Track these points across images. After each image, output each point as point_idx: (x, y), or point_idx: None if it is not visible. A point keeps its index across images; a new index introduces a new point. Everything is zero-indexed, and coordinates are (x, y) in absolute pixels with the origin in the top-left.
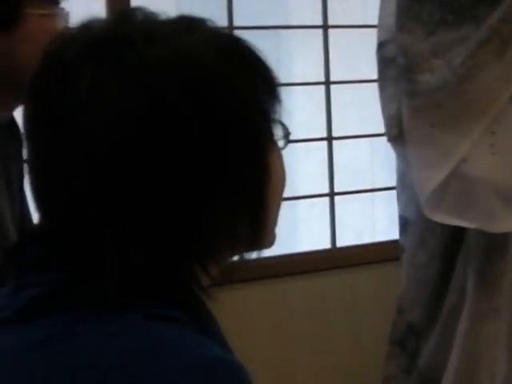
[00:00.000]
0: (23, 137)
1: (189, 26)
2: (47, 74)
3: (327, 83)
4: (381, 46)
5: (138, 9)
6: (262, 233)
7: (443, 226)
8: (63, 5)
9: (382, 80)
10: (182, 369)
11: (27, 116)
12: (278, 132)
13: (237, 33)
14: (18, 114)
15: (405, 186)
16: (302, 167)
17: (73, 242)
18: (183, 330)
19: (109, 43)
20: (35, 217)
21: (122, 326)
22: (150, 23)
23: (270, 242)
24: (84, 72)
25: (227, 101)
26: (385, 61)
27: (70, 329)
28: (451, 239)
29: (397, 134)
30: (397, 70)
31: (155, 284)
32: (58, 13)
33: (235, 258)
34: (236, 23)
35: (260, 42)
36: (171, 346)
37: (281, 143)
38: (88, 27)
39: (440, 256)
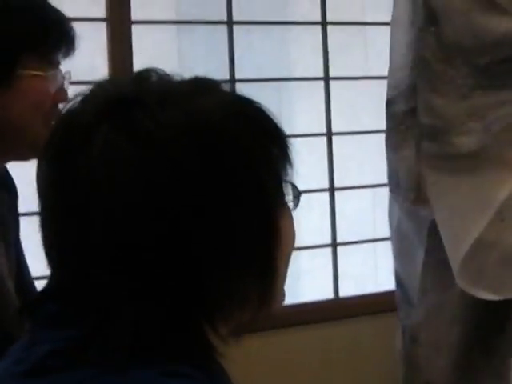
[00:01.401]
0: (37, 192)
1: (202, 88)
2: (61, 136)
3: (329, 134)
4: (390, 102)
5: (153, 70)
6: (272, 293)
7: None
8: (64, 63)
9: (393, 139)
10: None
11: (42, 176)
12: (288, 193)
13: (238, 85)
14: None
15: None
16: (304, 218)
17: (87, 300)
18: None
19: (122, 106)
20: (32, 267)
21: (135, 381)
22: (163, 85)
23: (279, 301)
24: (98, 135)
25: (241, 165)
26: (395, 118)
27: (87, 382)
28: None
29: (415, 196)
30: (424, 131)
31: (167, 342)
32: (54, 74)
33: (246, 317)
34: (238, 76)
35: (261, 94)
36: None
37: (291, 204)
38: (102, 89)
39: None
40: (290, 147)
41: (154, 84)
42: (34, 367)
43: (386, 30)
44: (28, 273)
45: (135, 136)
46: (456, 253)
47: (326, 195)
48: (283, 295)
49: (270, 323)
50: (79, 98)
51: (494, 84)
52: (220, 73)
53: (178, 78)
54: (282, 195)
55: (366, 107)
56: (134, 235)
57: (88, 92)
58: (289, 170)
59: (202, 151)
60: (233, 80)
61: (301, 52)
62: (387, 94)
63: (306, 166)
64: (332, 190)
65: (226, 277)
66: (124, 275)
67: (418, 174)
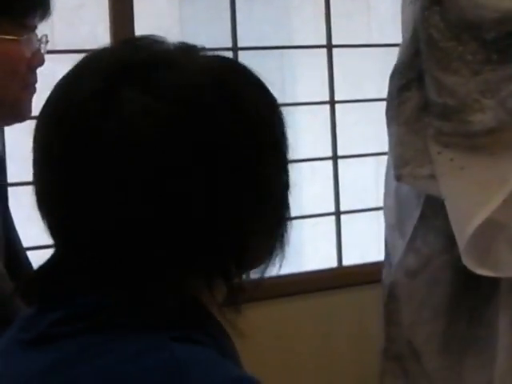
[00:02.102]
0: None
1: (194, 50)
2: (75, 106)
3: (332, 102)
4: (390, 77)
5: (142, 37)
6: (288, 235)
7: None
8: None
9: (387, 113)
10: None
11: (40, 147)
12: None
13: (240, 53)
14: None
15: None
16: (307, 186)
17: (98, 269)
18: (206, 351)
19: (136, 70)
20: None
21: (146, 345)
22: (165, 50)
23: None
24: (122, 99)
25: (262, 124)
26: (390, 93)
27: (92, 349)
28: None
29: (429, 173)
30: (435, 110)
31: (178, 307)
32: (28, 38)
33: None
34: (240, 44)
35: (264, 63)
36: (196, 366)
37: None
38: (100, 57)
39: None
40: (280, 104)
41: (154, 47)
42: (39, 335)
43: None
44: (21, 247)
45: (162, 94)
46: (464, 230)
47: (329, 163)
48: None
49: (273, 292)
50: (75, 69)
51: (504, 58)
52: (222, 41)
53: (167, 44)
54: (287, 147)
55: (369, 75)
56: (162, 199)
57: (85, 61)
58: (285, 125)
59: (228, 108)
60: (235, 48)
61: (303, 19)
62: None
63: (308, 134)
64: (335, 158)
65: (258, 227)
66: (144, 241)
67: (398, 154)
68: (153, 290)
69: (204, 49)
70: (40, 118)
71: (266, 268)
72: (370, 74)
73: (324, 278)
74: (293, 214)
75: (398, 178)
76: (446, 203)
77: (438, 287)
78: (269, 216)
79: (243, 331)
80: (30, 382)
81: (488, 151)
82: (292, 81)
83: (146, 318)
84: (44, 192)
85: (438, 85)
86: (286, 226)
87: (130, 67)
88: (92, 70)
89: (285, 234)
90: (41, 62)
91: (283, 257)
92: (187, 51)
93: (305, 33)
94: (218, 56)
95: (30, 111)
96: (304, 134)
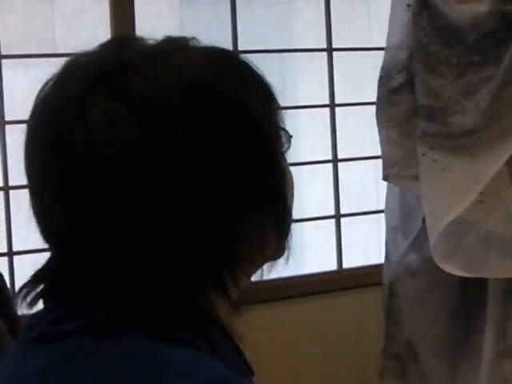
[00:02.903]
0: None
1: (180, 44)
2: (51, 114)
3: (332, 106)
4: (387, 76)
5: (127, 37)
6: (288, 232)
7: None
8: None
9: (378, 116)
10: None
11: (32, 157)
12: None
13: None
14: None
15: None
16: (307, 189)
17: (93, 272)
18: (192, 351)
19: (112, 75)
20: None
21: (134, 347)
22: (145, 49)
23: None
24: (93, 107)
25: (239, 115)
26: (379, 97)
27: (83, 350)
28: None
29: (415, 174)
30: (422, 112)
31: (175, 310)
32: None
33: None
34: (240, 47)
35: (265, 66)
36: (179, 367)
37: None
38: (83, 61)
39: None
40: (273, 88)
41: (133, 48)
42: (40, 334)
43: (389, 0)
44: None
45: (133, 103)
46: (435, 227)
47: (329, 166)
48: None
49: (274, 294)
50: (57, 75)
51: (484, 60)
52: (223, 44)
53: (152, 41)
54: (279, 138)
55: (369, 78)
56: (149, 200)
57: (66, 67)
58: (279, 114)
59: (203, 109)
60: (236, 51)
61: (304, 23)
62: (380, 72)
63: (309, 137)
64: (335, 161)
65: (243, 222)
66: (138, 242)
67: (387, 154)
68: (147, 292)
69: (193, 41)
70: (27, 124)
71: (267, 268)
72: (370, 78)
73: (324, 280)
74: (293, 217)
75: (385, 177)
76: (423, 202)
77: (437, 290)
78: (258, 216)
79: (243, 334)
80: (31, 380)
81: (469, 152)
82: (292, 84)
83: (138, 319)
84: (32, 198)
85: (426, 88)
86: (281, 227)
87: (104, 73)
88: (70, 76)
89: (283, 236)
90: None
91: (287, 258)
92: (168, 51)
93: (305, 36)
94: (201, 52)
95: None
96: (304, 137)
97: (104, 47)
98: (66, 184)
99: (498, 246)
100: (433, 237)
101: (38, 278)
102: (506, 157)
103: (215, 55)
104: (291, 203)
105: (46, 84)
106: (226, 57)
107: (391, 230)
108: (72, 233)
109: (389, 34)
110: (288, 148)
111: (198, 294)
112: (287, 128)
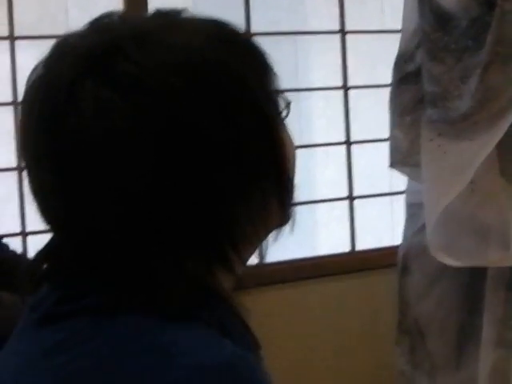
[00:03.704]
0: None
1: (170, 20)
2: (42, 100)
3: (345, 88)
4: (398, 64)
5: (112, 13)
6: (289, 203)
7: None
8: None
9: (397, 98)
10: (194, 368)
11: (28, 141)
12: (280, 103)
13: (254, 39)
14: None
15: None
16: (321, 171)
17: (95, 253)
18: (198, 329)
19: (99, 57)
20: None
21: (136, 326)
22: (133, 27)
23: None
24: (83, 93)
25: (232, 88)
26: (392, 83)
27: (85, 331)
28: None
29: (417, 162)
30: (427, 99)
31: (180, 289)
32: None
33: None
34: (254, 29)
35: (278, 48)
36: (186, 345)
37: (284, 113)
38: (71, 44)
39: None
40: (268, 56)
41: (122, 27)
42: (43, 315)
43: None
44: None
45: (122, 86)
46: (430, 216)
47: (342, 148)
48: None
49: (287, 276)
50: (47, 58)
51: (478, 44)
52: (236, 25)
53: (141, 17)
54: (276, 107)
55: (382, 60)
56: (145, 181)
57: (56, 48)
58: (275, 82)
59: (192, 84)
60: (249, 33)
61: (317, 5)
62: (400, 49)
63: (322, 119)
64: (348, 143)
65: (245, 197)
66: (137, 220)
67: (393, 142)
68: (148, 271)
69: (184, 13)
70: (21, 108)
71: (273, 238)
72: (384, 60)
73: (337, 262)
74: (306, 198)
75: (391, 164)
76: (423, 187)
77: (450, 270)
78: (258, 189)
79: (249, 309)
80: (36, 362)
81: (468, 136)
82: (306, 66)
83: (141, 299)
84: (29, 181)
85: (429, 75)
86: (283, 197)
87: (93, 56)
88: (60, 60)
89: (286, 205)
90: None
91: (291, 227)
92: (157, 28)
93: (318, 18)
94: (192, 26)
95: None
96: (317, 119)
97: (93, 27)
98: (60, 168)
99: (493, 236)
100: (430, 224)
101: (40, 258)
102: (495, 140)
103: (207, 29)
104: (293, 171)
105: (36, 67)
106: (217, 29)
107: (413, 206)
108: (69, 216)
109: (402, 21)
110: (287, 114)
111: (203, 270)
112: (301, 110)
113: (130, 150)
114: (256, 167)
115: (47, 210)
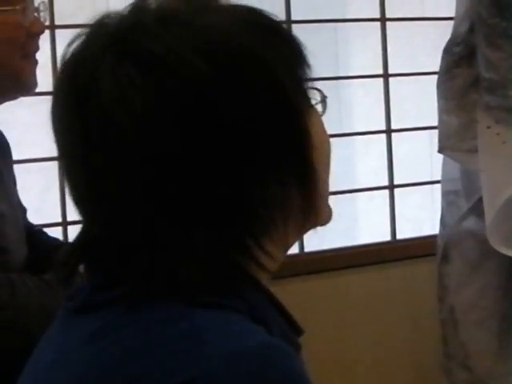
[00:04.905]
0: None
1: (204, 3)
2: (69, 75)
3: (386, 76)
4: (449, 48)
5: None
6: (314, 201)
7: None
8: None
9: (438, 88)
10: (223, 356)
11: (56, 119)
12: (315, 97)
13: (294, 27)
14: None
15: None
16: (361, 160)
17: (125, 240)
18: (229, 315)
19: (124, 35)
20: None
21: (167, 313)
22: (163, 8)
23: (325, 216)
24: (104, 68)
25: (256, 72)
26: (442, 68)
27: (119, 320)
28: None
29: (468, 148)
30: (485, 85)
31: (208, 271)
32: (24, 6)
33: (296, 237)
34: (293, 17)
35: (318, 36)
36: (213, 335)
37: (319, 108)
38: (103, 24)
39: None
40: (303, 46)
41: (153, 10)
42: (81, 304)
43: None
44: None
45: (141, 62)
46: (490, 207)
47: (383, 137)
48: (329, 210)
49: (327, 265)
50: (82, 36)
51: None
52: (275, 14)
53: (172, 1)
54: (305, 99)
55: (422, 48)
56: (166, 164)
57: (90, 27)
58: (307, 72)
59: (217, 67)
60: (288, 21)
61: None
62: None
63: (362, 107)
64: (389, 131)
65: (262, 184)
66: (161, 206)
67: (443, 127)
68: (175, 258)
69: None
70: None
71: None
72: (424, 48)
73: (378, 251)
74: (346, 187)
75: (440, 149)
76: (482, 176)
77: (492, 257)
78: (279, 181)
79: (292, 303)
80: (74, 351)
81: None
82: (346, 54)
83: (170, 286)
84: (63, 166)
85: (486, 61)
86: (307, 196)
87: (118, 35)
88: (89, 38)
89: (309, 205)
90: (40, 30)
91: (309, 211)
92: (185, 10)
93: (358, 6)
94: (221, 10)
95: (35, 83)
96: (358, 107)
97: (130, 7)
98: (84, 143)
99: None
100: (489, 214)
101: (75, 247)
102: None
103: (239, 13)
104: (323, 171)
105: (69, 44)
106: (250, 15)
107: (450, 194)
108: (94, 200)
109: (456, 5)
110: (324, 109)
111: (233, 258)
112: (341, 98)
113: (147, 127)
114: (275, 157)
115: (75, 188)
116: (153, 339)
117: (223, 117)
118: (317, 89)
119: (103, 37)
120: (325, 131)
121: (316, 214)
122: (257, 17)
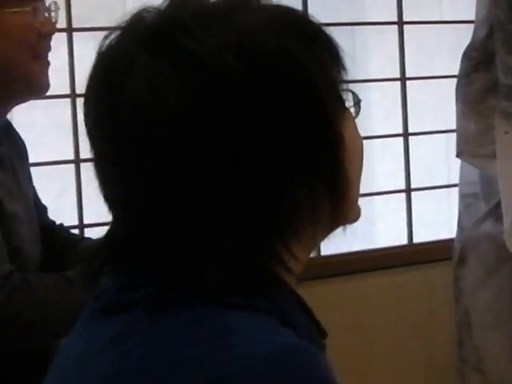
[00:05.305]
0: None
1: (239, 3)
2: (104, 71)
3: (403, 79)
4: (468, 52)
5: None
6: (345, 203)
7: None
8: None
9: (456, 92)
10: (252, 356)
11: (89, 116)
12: (349, 100)
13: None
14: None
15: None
16: (378, 163)
17: (154, 240)
18: (257, 317)
19: (160, 32)
20: None
21: (197, 315)
22: (200, 7)
23: (354, 215)
24: (139, 64)
25: (291, 74)
26: (461, 72)
27: (145, 320)
28: None
29: (486, 153)
30: (503, 90)
31: (235, 273)
32: (34, 8)
33: (322, 239)
34: None
35: (335, 39)
36: (240, 336)
37: (353, 111)
38: (140, 18)
39: None
40: (340, 49)
41: (191, 7)
42: (106, 305)
43: None
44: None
45: (176, 59)
46: (509, 211)
47: (400, 140)
48: (359, 210)
49: (344, 268)
50: (117, 31)
51: None
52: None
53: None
54: (339, 101)
55: (440, 51)
56: (195, 162)
57: (126, 22)
58: (343, 74)
59: (252, 67)
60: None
61: None
62: (474, 36)
63: (380, 110)
64: (406, 135)
65: (293, 187)
66: (191, 207)
67: (461, 131)
68: (206, 259)
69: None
70: (87, 79)
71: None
72: (441, 51)
73: (394, 255)
74: (363, 190)
75: (459, 154)
76: (500, 181)
77: (507, 263)
78: (308, 184)
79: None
80: (100, 351)
81: None
82: (363, 57)
83: (197, 287)
84: (95, 160)
85: (505, 67)
86: (336, 199)
87: (153, 31)
88: (125, 33)
89: (338, 208)
90: (51, 30)
91: (339, 212)
92: (224, 9)
93: (376, 9)
94: (261, 10)
95: (47, 84)
96: (375, 110)
97: (169, 3)
98: (115, 139)
99: None
100: (507, 218)
101: (103, 247)
102: None
103: (275, 13)
104: (355, 174)
105: (106, 37)
106: (287, 14)
107: (469, 197)
108: (122, 199)
109: (476, 9)
110: (357, 111)
111: (261, 261)
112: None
113: (178, 124)
114: (307, 160)
115: (104, 184)
116: (179, 340)
117: (256, 118)
118: (351, 91)
119: (139, 31)
120: (358, 134)
121: (345, 216)
122: (295, 17)
